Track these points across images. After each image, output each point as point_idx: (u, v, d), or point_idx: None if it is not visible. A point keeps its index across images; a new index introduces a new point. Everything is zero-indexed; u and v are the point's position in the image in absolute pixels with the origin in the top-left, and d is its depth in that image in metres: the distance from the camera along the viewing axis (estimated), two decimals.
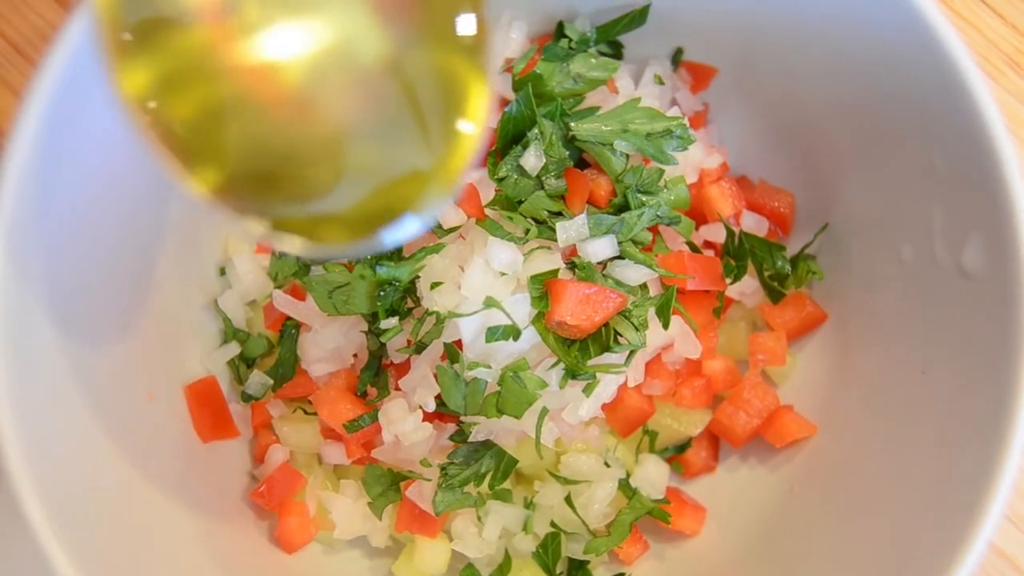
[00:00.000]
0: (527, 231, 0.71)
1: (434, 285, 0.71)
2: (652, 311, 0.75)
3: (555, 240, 0.71)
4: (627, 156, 0.75)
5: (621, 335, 0.72)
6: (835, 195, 0.83)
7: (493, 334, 0.69)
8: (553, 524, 0.80)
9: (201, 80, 0.50)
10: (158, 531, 0.70)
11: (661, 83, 0.83)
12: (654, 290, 0.76)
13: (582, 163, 0.78)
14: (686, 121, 0.77)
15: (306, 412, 0.81)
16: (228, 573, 0.74)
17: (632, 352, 0.73)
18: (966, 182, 0.68)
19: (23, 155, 0.58)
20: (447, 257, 0.72)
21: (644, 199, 0.75)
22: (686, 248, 0.80)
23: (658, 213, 0.75)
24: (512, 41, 0.84)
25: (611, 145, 0.75)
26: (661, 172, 0.76)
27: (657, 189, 0.75)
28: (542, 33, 0.86)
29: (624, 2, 0.82)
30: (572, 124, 0.75)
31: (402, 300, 0.74)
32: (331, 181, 0.53)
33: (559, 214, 0.74)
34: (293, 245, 0.53)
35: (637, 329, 0.72)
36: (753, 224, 0.84)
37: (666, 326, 0.75)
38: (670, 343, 0.79)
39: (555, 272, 0.71)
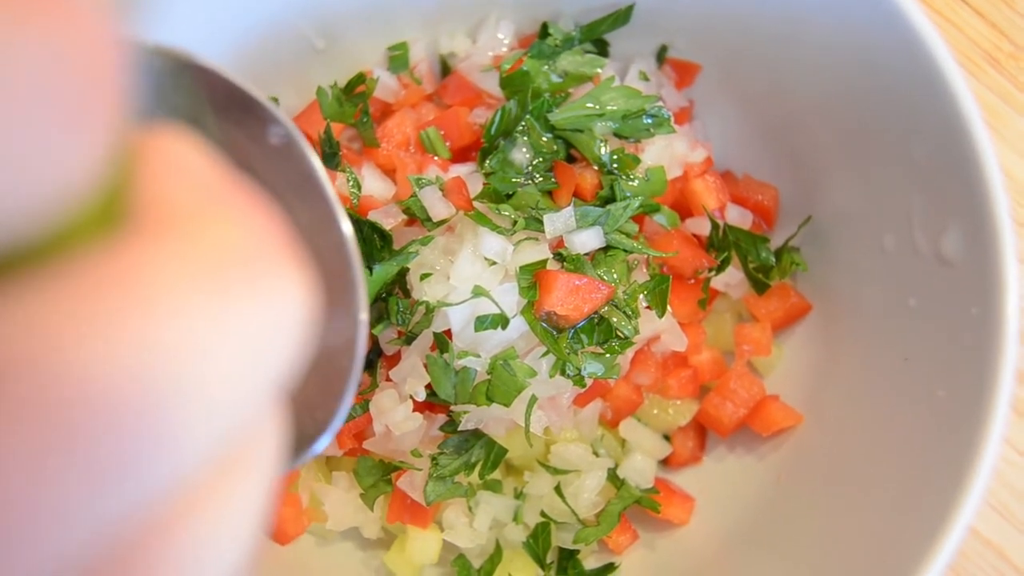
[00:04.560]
0: (515, 223, 0.73)
1: (424, 276, 0.72)
2: (643, 303, 0.76)
3: (542, 231, 0.73)
4: (606, 140, 0.77)
5: (615, 326, 0.73)
6: (818, 188, 0.85)
7: (482, 323, 0.70)
8: (543, 514, 0.81)
9: None
10: None
11: (646, 79, 0.84)
12: (640, 279, 0.77)
13: (570, 159, 0.80)
14: (662, 102, 0.78)
15: None
16: None
17: (627, 341, 0.74)
18: (944, 173, 0.70)
19: None
20: (436, 249, 0.73)
21: (624, 183, 0.76)
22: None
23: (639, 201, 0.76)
24: (499, 40, 0.86)
25: (590, 130, 0.76)
26: (638, 159, 0.77)
27: (634, 169, 0.77)
28: (528, 33, 0.87)
29: (609, 1, 0.84)
30: (550, 115, 0.76)
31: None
32: None
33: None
34: None
35: (629, 317, 0.74)
36: (738, 217, 0.85)
37: (661, 314, 0.76)
38: (657, 335, 0.80)
39: (543, 263, 0.72)
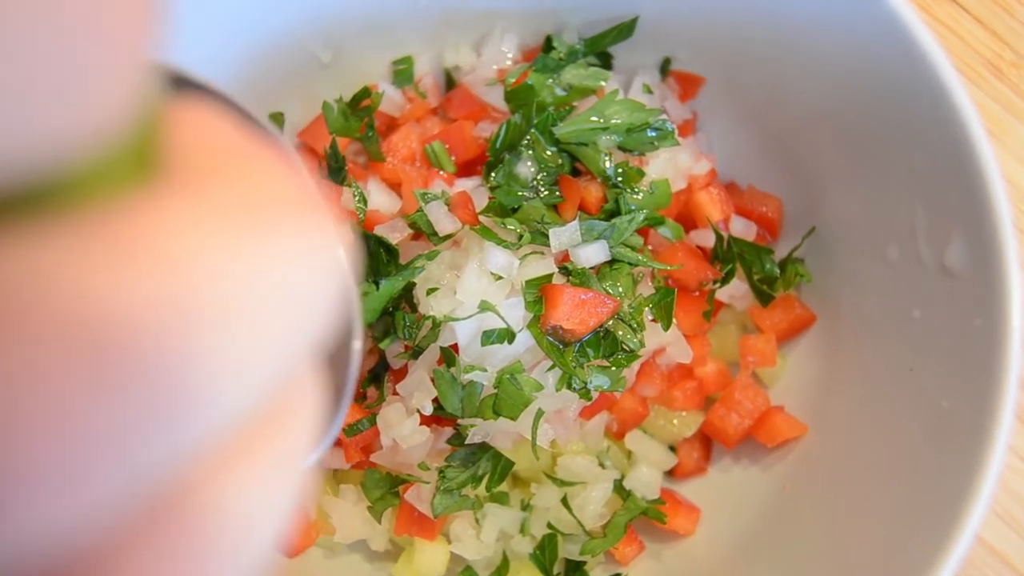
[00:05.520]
0: (520, 237, 0.73)
1: (430, 291, 0.72)
2: (648, 316, 0.76)
3: (548, 246, 0.73)
4: (610, 153, 0.77)
5: (621, 339, 0.73)
6: (822, 199, 0.85)
7: (488, 337, 0.70)
8: (550, 526, 0.82)
9: None
10: None
11: (650, 92, 0.85)
12: (646, 292, 0.77)
13: (575, 173, 0.80)
14: (666, 115, 0.79)
15: None
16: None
17: (632, 355, 0.74)
18: (947, 183, 0.70)
19: None
20: (442, 263, 0.73)
21: (629, 196, 0.76)
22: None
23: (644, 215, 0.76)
24: (503, 53, 0.86)
25: (595, 143, 0.77)
26: (643, 172, 0.78)
27: (638, 182, 0.77)
28: (532, 46, 0.88)
29: (612, 15, 0.85)
30: (555, 129, 0.77)
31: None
32: None
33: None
34: None
35: (635, 331, 0.74)
36: (742, 229, 0.86)
37: (666, 328, 0.77)
38: (662, 347, 0.81)
39: (549, 277, 0.72)
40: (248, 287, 0.19)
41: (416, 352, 0.74)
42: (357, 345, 0.43)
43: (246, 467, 0.21)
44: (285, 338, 0.21)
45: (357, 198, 0.78)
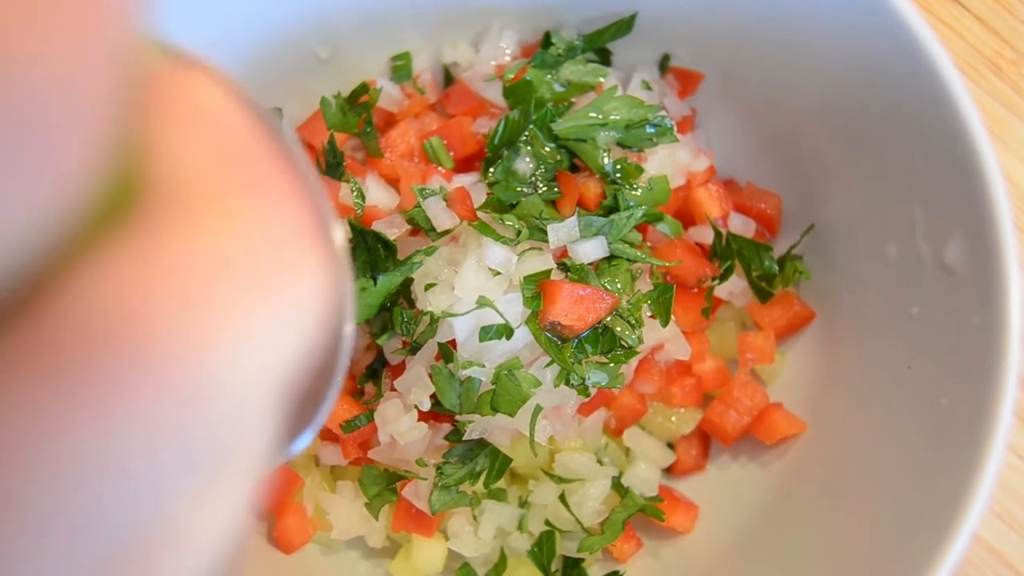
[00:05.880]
0: (518, 233, 0.73)
1: (428, 286, 0.72)
2: (646, 312, 0.76)
3: (546, 241, 0.73)
4: (609, 150, 0.77)
5: (619, 335, 0.73)
6: (821, 196, 0.85)
7: (486, 333, 0.70)
8: (547, 523, 0.81)
9: None
10: None
11: (649, 89, 0.85)
12: (644, 288, 0.77)
13: (574, 168, 0.80)
14: (664, 112, 0.78)
15: None
16: (226, 573, 0.75)
17: (631, 351, 0.74)
18: (947, 181, 0.70)
19: None
20: (440, 259, 0.73)
21: (628, 192, 0.76)
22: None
23: (642, 212, 0.76)
24: (501, 49, 0.86)
25: (593, 139, 0.77)
26: (641, 169, 0.77)
27: (637, 178, 0.77)
28: (531, 42, 0.88)
29: (611, 11, 0.84)
30: (553, 124, 0.77)
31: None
32: None
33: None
34: None
35: (633, 327, 0.74)
36: (740, 226, 0.86)
37: (665, 323, 0.77)
38: (661, 344, 0.81)
39: (547, 273, 0.72)
40: (240, 331, 0.20)
41: (414, 348, 0.74)
42: (349, 329, 0.42)
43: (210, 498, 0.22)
44: (259, 383, 0.21)
45: (355, 194, 0.78)
